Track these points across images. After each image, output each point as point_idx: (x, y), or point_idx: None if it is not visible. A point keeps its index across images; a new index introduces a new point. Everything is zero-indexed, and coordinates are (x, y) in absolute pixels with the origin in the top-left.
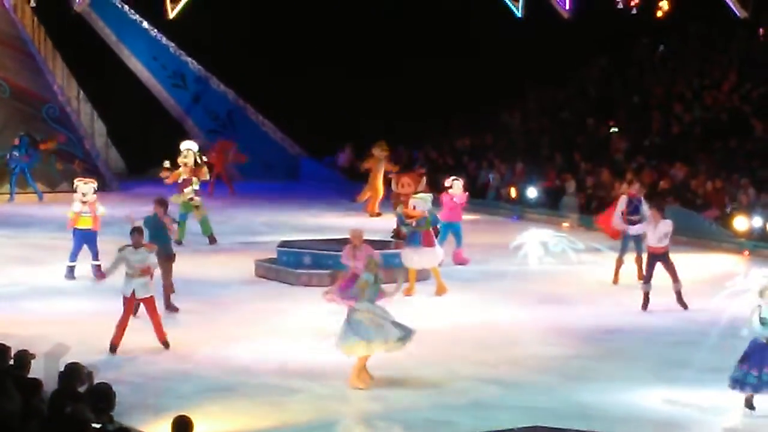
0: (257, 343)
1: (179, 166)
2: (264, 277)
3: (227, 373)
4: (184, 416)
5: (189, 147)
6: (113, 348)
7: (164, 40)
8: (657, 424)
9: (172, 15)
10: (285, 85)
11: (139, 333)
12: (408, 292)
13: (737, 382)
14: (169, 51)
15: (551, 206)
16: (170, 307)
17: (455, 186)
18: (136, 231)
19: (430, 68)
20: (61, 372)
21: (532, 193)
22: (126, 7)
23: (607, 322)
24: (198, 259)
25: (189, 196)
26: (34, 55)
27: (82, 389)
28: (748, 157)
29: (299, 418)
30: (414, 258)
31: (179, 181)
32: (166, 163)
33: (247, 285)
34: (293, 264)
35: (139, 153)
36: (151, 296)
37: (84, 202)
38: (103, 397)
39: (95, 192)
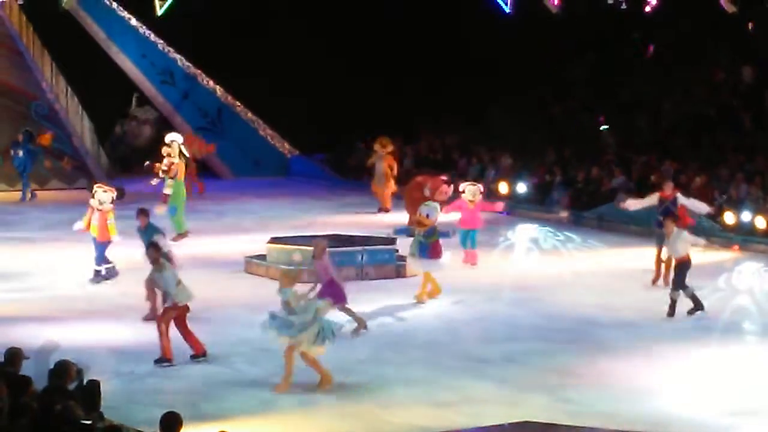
0: (248, 341)
1: (162, 158)
2: (254, 274)
3: (217, 371)
4: (173, 413)
5: (173, 138)
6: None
7: (153, 37)
8: (647, 421)
9: (160, 12)
10: (275, 81)
11: (128, 331)
12: (432, 295)
13: None
14: (158, 48)
15: (541, 201)
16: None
17: (468, 191)
18: (151, 247)
19: (421, 64)
20: (51, 369)
21: (521, 188)
22: (114, 5)
23: (600, 317)
24: (186, 255)
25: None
26: (22, 53)
27: (71, 387)
28: (737, 151)
29: (288, 417)
30: (417, 264)
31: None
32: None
33: (237, 281)
34: (283, 261)
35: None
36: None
37: (99, 210)
38: (93, 394)
39: (112, 201)
